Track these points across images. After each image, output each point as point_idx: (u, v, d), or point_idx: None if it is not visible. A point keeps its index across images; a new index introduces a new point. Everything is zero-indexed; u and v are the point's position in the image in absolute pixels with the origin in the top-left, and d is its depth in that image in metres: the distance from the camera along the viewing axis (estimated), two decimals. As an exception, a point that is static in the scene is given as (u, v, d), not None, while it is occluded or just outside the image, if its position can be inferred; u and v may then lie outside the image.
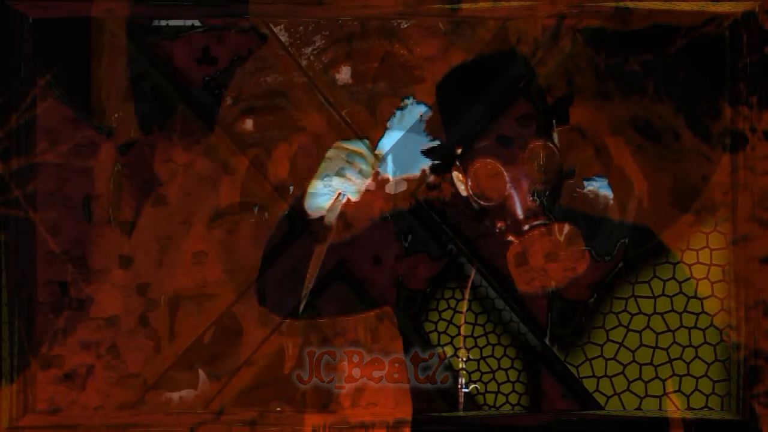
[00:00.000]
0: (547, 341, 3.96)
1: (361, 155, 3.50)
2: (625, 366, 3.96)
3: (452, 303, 3.96)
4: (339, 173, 3.49)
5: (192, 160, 3.94)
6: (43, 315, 3.92)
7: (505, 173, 3.79)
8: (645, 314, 3.96)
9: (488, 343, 3.96)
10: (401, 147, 3.96)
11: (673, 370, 3.94)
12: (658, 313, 3.95)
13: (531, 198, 3.83)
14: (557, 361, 3.96)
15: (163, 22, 3.95)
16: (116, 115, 3.93)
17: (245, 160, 3.94)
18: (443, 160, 3.90)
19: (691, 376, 3.95)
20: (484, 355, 3.96)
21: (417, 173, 3.96)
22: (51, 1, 3.63)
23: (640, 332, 3.95)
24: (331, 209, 3.49)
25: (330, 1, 3.58)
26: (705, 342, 3.95)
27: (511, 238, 3.90)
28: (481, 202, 3.85)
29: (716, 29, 3.91)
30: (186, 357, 3.95)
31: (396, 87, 3.97)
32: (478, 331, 3.96)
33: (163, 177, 3.94)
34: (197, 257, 3.94)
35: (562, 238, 3.88)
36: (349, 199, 3.51)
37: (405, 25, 3.97)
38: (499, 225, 3.91)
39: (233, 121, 3.94)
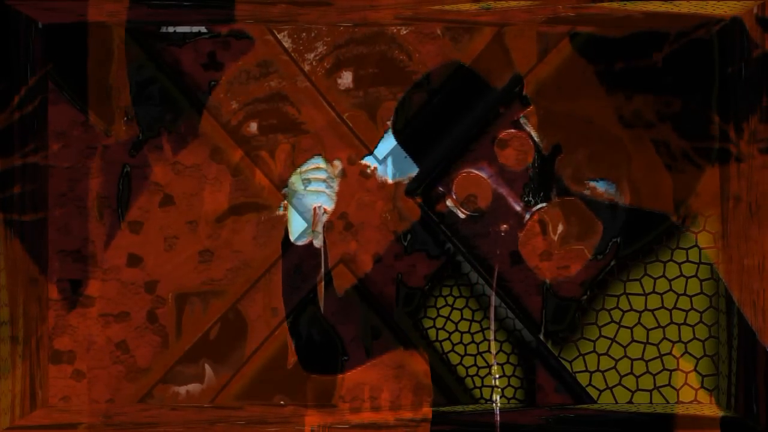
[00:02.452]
0: (541, 337, 3.95)
1: (317, 169, 3.52)
2: (617, 361, 3.94)
3: (450, 300, 3.95)
4: (305, 191, 3.51)
5: (198, 161, 3.93)
6: (55, 312, 3.91)
7: (487, 176, 3.79)
8: (636, 311, 3.94)
9: (485, 339, 3.95)
10: (400, 149, 3.96)
11: (663, 365, 3.93)
12: (649, 310, 3.94)
13: (525, 198, 3.82)
14: (551, 356, 3.95)
15: (171, 29, 3.93)
16: (125, 119, 3.92)
17: (250, 161, 3.93)
18: (425, 190, 3.93)
19: (681, 371, 3.94)
20: (480, 350, 3.95)
21: (416, 174, 3.95)
22: (51, 1, 3.60)
23: (631, 328, 3.94)
24: (315, 228, 3.51)
25: (332, 1, 3.55)
26: (694, 338, 3.94)
27: (519, 234, 3.90)
28: (476, 214, 3.84)
29: (705, 35, 3.90)
30: (193, 352, 3.95)
31: (395, 91, 3.96)
32: (475, 327, 3.95)
33: (171, 178, 3.93)
34: (203, 256, 3.93)
35: (563, 212, 3.87)
36: (326, 210, 3.52)
37: (404, 32, 3.96)
38: (503, 227, 3.90)
39: (239, 124, 3.93)
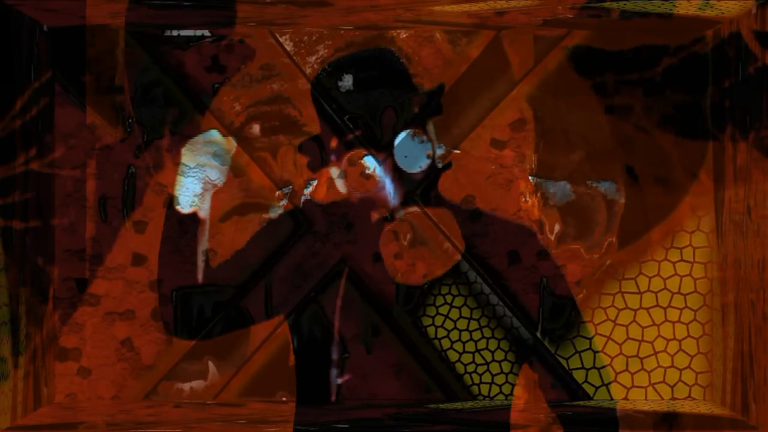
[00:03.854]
0: (538, 335, 3.93)
1: (214, 142, 3.48)
2: (612, 358, 3.92)
3: (448, 298, 3.93)
4: (199, 164, 3.46)
5: (202, 162, 3.90)
6: (62, 310, 3.89)
7: (379, 166, 3.78)
8: (631, 309, 3.93)
9: (483, 337, 3.93)
10: (401, 150, 3.93)
11: (658, 362, 3.92)
12: (644, 308, 3.92)
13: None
14: (548, 353, 3.93)
15: (175, 32, 3.91)
16: (130, 120, 3.89)
17: (253, 162, 3.91)
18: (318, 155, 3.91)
19: (675, 367, 3.92)
20: (479, 347, 3.93)
21: (417, 173, 3.94)
22: (51, 1, 3.55)
23: (626, 326, 3.92)
24: (202, 199, 3.47)
25: (332, 2, 3.51)
26: (688, 335, 3.92)
27: (387, 227, 3.90)
28: (357, 195, 3.82)
29: (703, 49, 3.87)
30: (196, 349, 3.92)
31: (395, 93, 3.94)
32: (473, 325, 3.93)
33: (175, 179, 3.90)
34: (207, 255, 3.91)
35: (432, 221, 3.87)
36: (215, 184, 3.49)
37: (404, 35, 3.93)
38: (375, 217, 3.89)
39: (241, 125, 3.91)
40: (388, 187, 3.88)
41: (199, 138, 3.51)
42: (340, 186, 3.86)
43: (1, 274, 3.40)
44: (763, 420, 3.31)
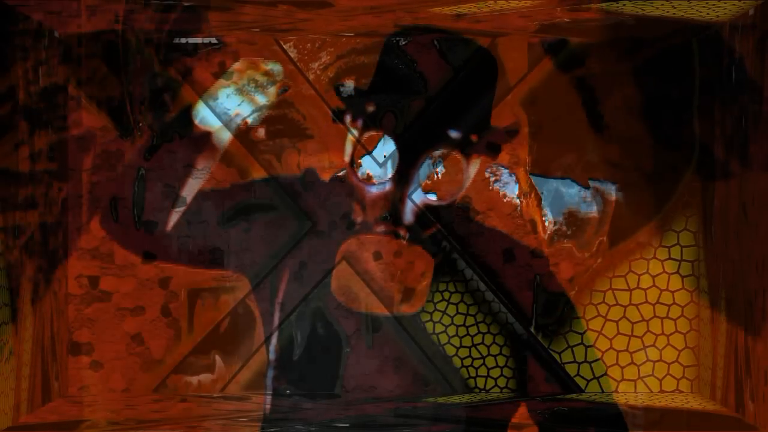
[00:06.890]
0: (532, 330, 3.91)
1: (270, 77, 3.36)
2: (603, 353, 3.90)
3: (446, 295, 3.91)
4: (242, 92, 3.33)
5: (209, 164, 3.88)
6: (74, 306, 3.86)
7: (376, 166, 3.73)
8: (621, 305, 3.90)
9: (479, 332, 3.90)
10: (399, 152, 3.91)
11: (647, 356, 3.89)
12: (634, 305, 3.90)
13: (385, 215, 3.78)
14: (542, 348, 3.90)
15: (183, 40, 3.88)
16: (140, 124, 3.87)
17: (258, 165, 3.88)
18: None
19: (664, 361, 3.89)
20: (475, 342, 3.90)
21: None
22: (52, 2, 3.49)
23: (617, 322, 3.90)
24: (223, 129, 3.35)
25: (332, 3, 3.46)
26: (676, 331, 3.89)
27: (387, 227, 3.88)
28: (357, 195, 3.78)
29: (695, 47, 3.83)
30: (204, 344, 3.89)
31: (395, 98, 3.91)
32: (470, 321, 3.91)
33: (183, 180, 3.88)
34: (214, 254, 3.88)
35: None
36: (246, 123, 3.38)
37: (403, 42, 3.91)
38: (356, 218, 3.86)
39: (247, 129, 3.88)
40: (387, 188, 3.86)
41: (259, 62, 3.36)
42: (348, 148, 3.83)
43: (2, 273, 3.33)
44: (763, 421, 3.24)
